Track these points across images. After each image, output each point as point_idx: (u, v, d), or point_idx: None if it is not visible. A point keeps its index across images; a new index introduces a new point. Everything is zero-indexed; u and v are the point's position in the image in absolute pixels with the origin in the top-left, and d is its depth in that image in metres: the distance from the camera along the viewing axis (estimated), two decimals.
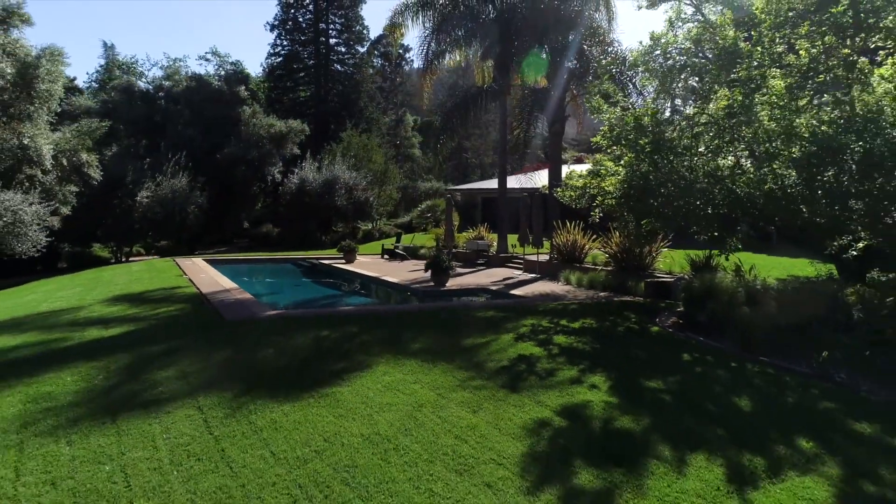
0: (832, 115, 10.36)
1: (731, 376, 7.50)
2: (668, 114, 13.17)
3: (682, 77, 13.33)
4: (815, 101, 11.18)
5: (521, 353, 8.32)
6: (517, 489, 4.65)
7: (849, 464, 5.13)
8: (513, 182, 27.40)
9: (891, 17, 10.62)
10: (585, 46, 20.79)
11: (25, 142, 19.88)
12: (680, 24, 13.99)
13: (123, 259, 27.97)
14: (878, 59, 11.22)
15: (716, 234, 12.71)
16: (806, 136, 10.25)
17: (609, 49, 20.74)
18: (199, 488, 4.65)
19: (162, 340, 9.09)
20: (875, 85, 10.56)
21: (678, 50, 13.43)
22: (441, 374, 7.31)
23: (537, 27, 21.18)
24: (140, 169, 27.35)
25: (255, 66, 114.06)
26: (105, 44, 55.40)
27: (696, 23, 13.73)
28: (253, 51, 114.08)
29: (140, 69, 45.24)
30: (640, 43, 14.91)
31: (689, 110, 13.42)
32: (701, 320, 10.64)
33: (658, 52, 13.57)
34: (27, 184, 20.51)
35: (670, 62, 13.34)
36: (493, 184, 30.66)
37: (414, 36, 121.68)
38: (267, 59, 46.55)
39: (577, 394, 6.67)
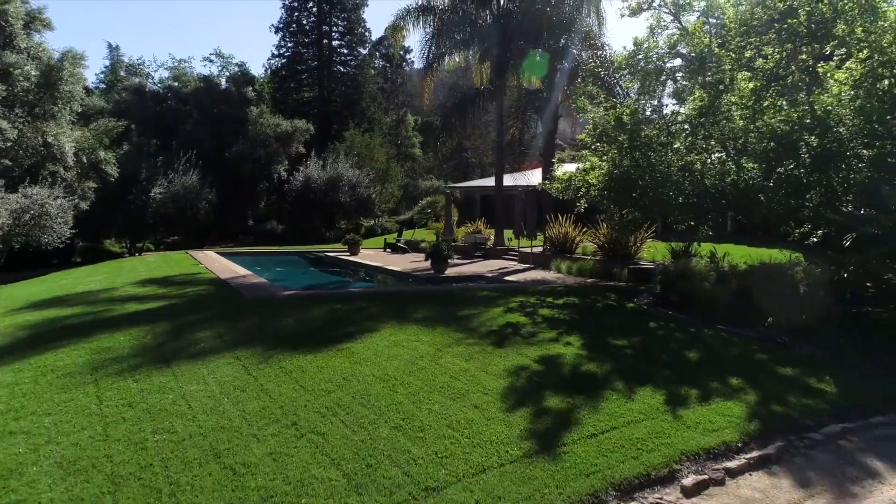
0: (790, 115, 11.57)
1: (687, 338, 8.74)
2: (648, 113, 14.37)
3: (661, 80, 14.57)
4: (778, 103, 12.39)
5: (508, 321, 9.55)
6: (498, 408, 5.89)
7: (766, 393, 6.37)
8: (510, 180, 28.60)
9: (841, 27, 11.84)
10: (575, 51, 21.99)
11: (49, 140, 21.11)
12: (660, 30, 15.19)
13: (136, 254, 29.20)
14: (834, 62, 12.46)
15: (691, 223, 14.02)
16: (766, 132, 11.49)
17: (599, 53, 21.96)
18: (246, 409, 5.89)
19: (193, 312, 10.32)
20: (830, 88, 11.80)
21: (658, 55, 14.69)
22: (439, 335, 8.54)
23: (532, 32, 22.41)
24: (153, 166, 28.61)
25: (256, 65, 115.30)
26: (110, 45, 56.57)
27: (674, 30, 14.98)
28: (253, 50, 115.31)
29: (147, 70, 46.45)
30: (625, 48, 16.15)
31: (668, 110, 14.69)
32: (673, 299, 11.86)
33: (641, 56, 14.82)
34: (50, 179, 21.74)
35: (650, 66, 14.58)
36: (490, 182, 31.85)
37: (415, 39, 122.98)
38: (271, 60, 47.90)
39: (553, 348, 7.91)
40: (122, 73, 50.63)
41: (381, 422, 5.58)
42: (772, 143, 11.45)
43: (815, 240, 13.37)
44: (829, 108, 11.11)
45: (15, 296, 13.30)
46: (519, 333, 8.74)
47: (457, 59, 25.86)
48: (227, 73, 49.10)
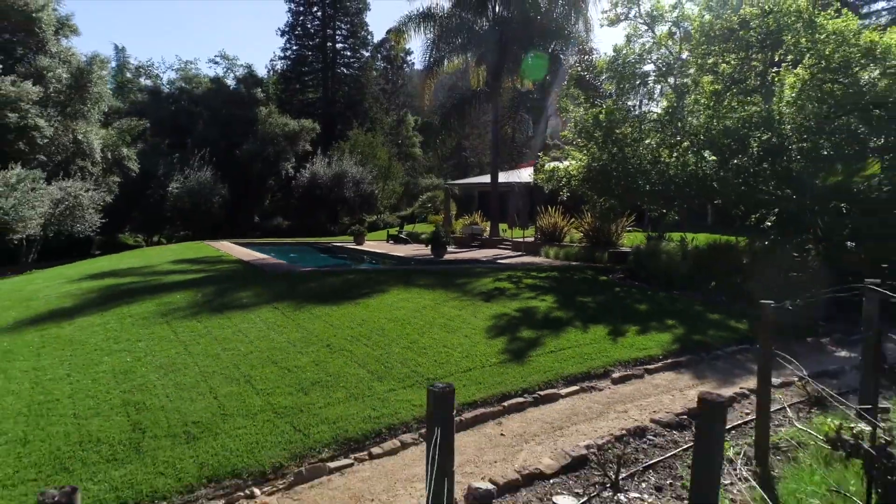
0: (741, 115, 13.36)
1: (643, 298, 10.55)
2: (625, 112, 16.17)
3: (636, 83, 16.39)
4: (733, 103, 14.20)
5: (496, 286, 11.36)
6: (483, 337, 7.70)
7: (692, 329, 8.18)
8: (505, 177, 30.40)
9: (788, 37, 13.65)
10: (562, 56, 23.79)
11: (79, 137, 22.90)
12: (636, 38, 16.99)
13: (153, 246, 31.00)
14: (782, 68, 14.27)
15: (662, 210, 15.85)
16: (721, 130, 13.31)
17: (587, 57, 23.74)
18: (290, 337, 7.70)
19: (230, 281, 12.13)
20: (780, 91, 13.61)
21: (633, 60, 16.49)
22: (438, 294, 10.35)
23: (525, 38, 24.22)
24: (170, 163, 30.43)
25: (258, 65, 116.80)
26: (116, 47, 58.29)
27: (648, 38, 16.76)
28: (253, 49, 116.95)
29: (156, 71, 48.22)
30: (605, 54, 17.96)
31: (643, 109, 16.51)
32: (642, 274, 13.69)
33: (619, 61, 16.64)
34: (79, 174, 23.54)
35: (627, 70, 16.39)
36: (487, 179, 33.63)
37: (416, 44, 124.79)
38: (277, 61, 49.64)
39: (531, 303, 9.72)
40: (129, 75, 52.33)
41: (394, 345, 7.39)
42: (727, 139, 13.28)
43: (769, 223, 15.24)
44: (775, 108, 12.93)
45: (65, 274, 15.10)
46: (504, 294, 10.55)
47: (456, 62, 27.63)
48: (233, 75, 50.96)
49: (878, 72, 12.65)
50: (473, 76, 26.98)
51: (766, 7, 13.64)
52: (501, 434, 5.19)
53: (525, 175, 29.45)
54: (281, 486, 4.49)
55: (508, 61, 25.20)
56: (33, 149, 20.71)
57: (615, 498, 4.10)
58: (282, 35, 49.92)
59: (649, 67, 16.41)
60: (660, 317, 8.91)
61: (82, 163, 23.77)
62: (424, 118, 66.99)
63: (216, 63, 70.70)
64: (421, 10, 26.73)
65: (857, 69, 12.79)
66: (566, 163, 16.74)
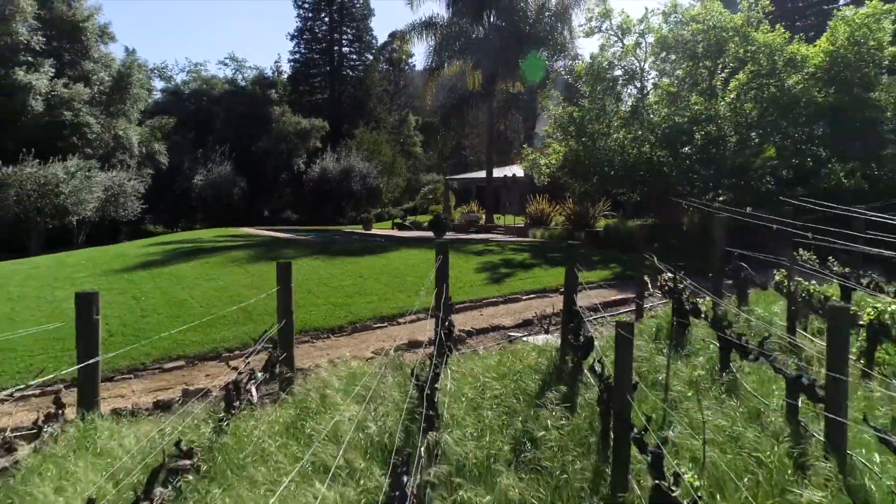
0: (690, 112, 16.19)
1: (600, 255, 13.45)
2: (597, 111, 19.05)
3: (607, 86, 19.25)
4: (683, 104, 17.04)
5: (486, 248, 14.28)
6: (472, 273, 10.61)
7: (624, 269, 11.09)
8: (499, 172, 33.34)
9: (732, 46, 16.51)
10: (547, 62, 26.68)
11: (119, 133, 25.80)
12: (608, 48, 19.87)
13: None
14: (724, 74, 17.16)
15: (631, 192, 18.71)
16: (673, 125, 16.19)
17: (571, 63, 26.66)
18: (331, 272, 10.61)
19: (271, 245, 15.03)
20: (724, 93, 16.46)
21: (606, 66, 19.36)
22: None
23: (516, 44, 27.10)
24: (194, 158, 33.35)
25: (263, 65, 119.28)
26: (126, 49, 61.27)
27: (618, 48, 19.62)
28: (253, 49, 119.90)
29: (169, 73, 51.11)
30: (583, 61, 20.91)
31: (611, 108, 19.39)
32: (606, 243, 16.57)
33: (594, 67, 19.51)
34: (119, 166, 26.45)
35: (600, 75, 19.26)
36: (483, 174, 36.56)
37: (419, 49, 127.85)
38: (283, 63, 52.50)
39: (511, 255, 12.63)
40: (141, 76, 55.04)
41: (407, 276, 10.29)
42: (678, 134, 16.18)
43: (718, 203, 18.05)
44: (719, 107, 15.81)
45: (127, 248, 18.00)
46: (491, 252, 13.46)
47: (455, 67, 30.52)
48: (242, 76, 53.85)
49: (797, 77, 15.61)
50: (470, 79, 29.80)
51: (710, 23, 16.52)
52: (481, 314, 8.09)
53: (517, 169, 32.35)
54: (344, 334, 7.40)
55: (502, 66, 28.08)
56: (84, 143, 23.63)
57: (545, 336, 7.00)
58: (291, 39, 52.92)
59: (619, 72, 19.29)
60: (605, 263, 11.82)
61: (122, 156, 26.69)
62: (425, 118, 69.78)
63: (225, 65, 73.66)
64: (423, 18, 29.70)
65: (783, 75, 15.72)
66: (548, 152, 19.65)
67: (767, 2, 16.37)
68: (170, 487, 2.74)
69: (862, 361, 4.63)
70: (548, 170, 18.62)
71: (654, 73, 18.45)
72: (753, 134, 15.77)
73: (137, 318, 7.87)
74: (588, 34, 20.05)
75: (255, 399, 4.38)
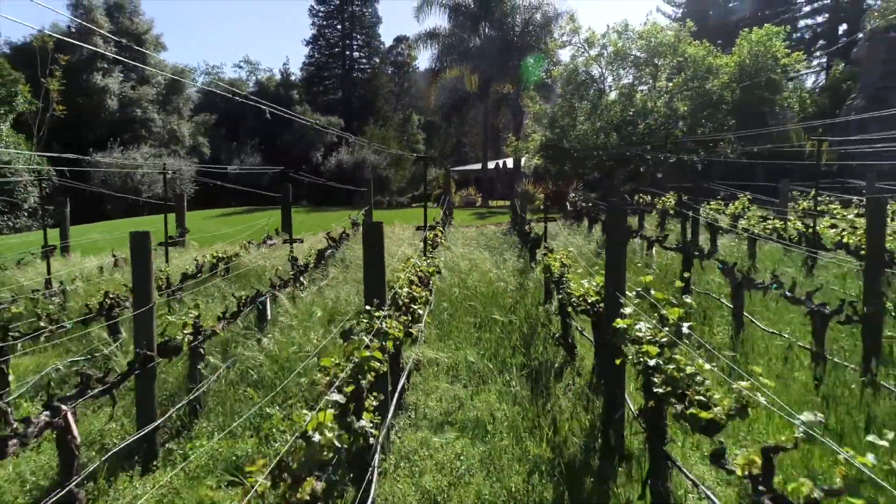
0: (636, 109, 21.14)
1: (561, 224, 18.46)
2: (567, 108, 24.00)
3: (577, 87, 24.23)
4: (633, 102, 21.97)
5: (477, 211, 19.27)
6: (466, 216, 15.64)
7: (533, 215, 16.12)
8: (493, 163, 38.31)
9: (667, 58, 21.50)
10: (531, 67, 31.65)
11: (174, 127, 30.83)
12: (578, 56, 24.84)
13: None
14: (662, 80, 22.13)
15: (590, 172, 23.71)
16: (623, 119, 21.18)
17: (553, 67, 31.62)
18: (390, 219, 15.67)
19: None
20: (660, 93, 21.45)
21: (575, 72, 24.36)
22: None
23: (508, 52, 32.09)
24: (229, 150, 38.34)
25: (271, 65, 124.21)
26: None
27: (583, 57, 24.56)
28: (255, 50, 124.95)
29: (192, 74, 56.18)
30: (558, 66, 25.95)
31: (578, 105, 24.37)
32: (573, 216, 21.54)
33: (566, 72, 24.52)
34: (173, 156, 31.46)
35: (571, 79, 24.25)
36: (479, 165, 41.62)
37: (424, 55, 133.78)
38: (289, 65, 56.96)
39: (492, 214, 17.62)
40: (188, 80, 60.08)
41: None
42: (626, 126, 21.17)
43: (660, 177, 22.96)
44: (656, 105, 20.81)
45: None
46: (480, 213, 18.45)
47: (454, 71, 35.54)
48: (255, 78, 58.73)
49: (716, 81, 20.64)
50: (468, 82, 34.79)
51: (651, 40, 21.52)
52: (476, 228, 13.11)
53: (509, 161, 37.35)
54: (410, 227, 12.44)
55: (496, 71, 33.09)
56: (149, 135, 28.65)
57: (513, 233, 12.04)
58: (306, 45, 57.92)
59: (584, 77, 24.26)
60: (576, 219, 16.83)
61: (175, 146, 31.69)
62: (427, 117, 74.73)
63: (240, 67, 78.66)
64: (428, 29, 34.85)
65: (704, 80, 20.76)
66: (529, 140, 24.69)
67: (692, 23, 21.39)
68: None
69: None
70: (527, 154, 23.63)
71: (611, 77, 23.44)
72: (681, 123, 20.79)
73: None
74: (561, 46, 25.12)
75: None
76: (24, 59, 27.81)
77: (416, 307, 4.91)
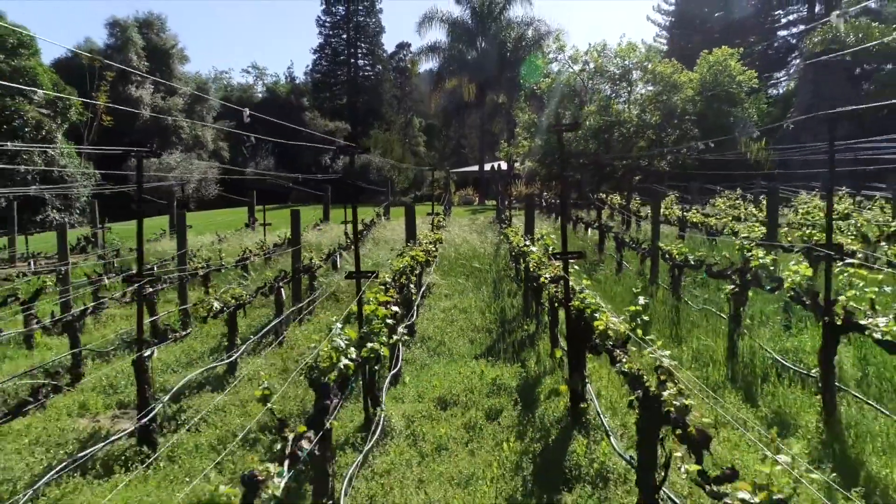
0: (612, 118, 24.27)
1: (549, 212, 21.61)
2: (553, 116, 27.10)
3: (562, 99, 27.37)
4: (609, 112, 25.06)
5: (473, 210, 22.40)
6: (463, 212, 18.79)
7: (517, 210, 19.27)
8: (489, 165, 41.48)
9: (637, 73, 24.65)
10: (522, 79, 34.80)
11: (198, 133, 33.99)
12: (563, 71, 27.98)
13: None
14: (636, 92, 25.24)
15: (576, 175, 26.87)
16: (601, 126, 24.32)
17: (542, 80, 34.75)
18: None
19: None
20: (634, 105, 24.57)
21: (560, 85, 27.50)
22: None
23: (501, 64, 35.23)
24: (243, 153, 41.49)
25: (276, 69, 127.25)
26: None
27: (567, 72, 27.70)
28: (257, 50, 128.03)
29: (212, 85, 59.37)
30: (547, 78, 29.18)
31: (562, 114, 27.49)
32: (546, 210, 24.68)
33: (553, 85, 27.68)
34: (197, 159, 34.57)
35: (556, 92, 27.39)
36: (477, 167, 44.78)
37: (426, 67, 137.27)
38: (294, 69, 60.01)
39: (485, 210, 20.76)
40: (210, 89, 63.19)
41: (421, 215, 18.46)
42: (604, 133, 24.32)
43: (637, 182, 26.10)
44: (629, 114, 23.95)
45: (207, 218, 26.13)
46: (475, 209, 21.59)
47: (454, 80, 38.70)
48: (262, 83, 61.83)
49: (681, 95, 23.79)
50: (466, 91, 37.95)
51: (625, 59, 24.66)
52: (469, 219, 16.25)
53: (503, 163, 40.49)
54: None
55: (491, 82, 36.26)
56: (178, 141, 31.78)
57: (500, 220, 15.20)
58: (313, 53, 61.20)
59: (568, 90, 27.38)
60: (549, 213, 19.98)
61: (199, 151, 34.81)
62: (428, 121, 77.85)
63: (248, 72, 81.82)
64: (429, 43, 38.06)
65: (671, 94, 23.91)
66: (518, 146, 27.84)
67: (660, 44, 24.55)
68: None
69: None
70: (517, 159, 26.77)
71: (591, 90, 26.58)
72: (650, 132, 23.94)
73: None
74: (549, 63, 28.23)
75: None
76: (64, 72, 30.91)
77: (430, 248, 8.25)
